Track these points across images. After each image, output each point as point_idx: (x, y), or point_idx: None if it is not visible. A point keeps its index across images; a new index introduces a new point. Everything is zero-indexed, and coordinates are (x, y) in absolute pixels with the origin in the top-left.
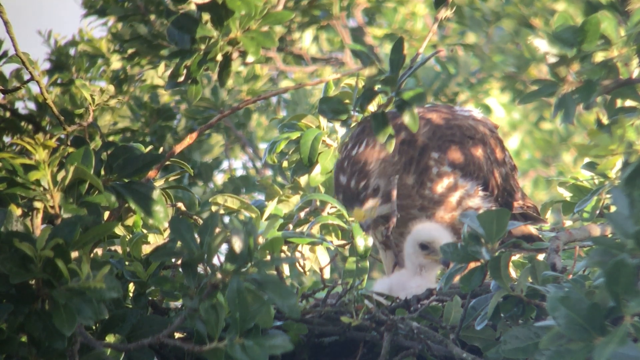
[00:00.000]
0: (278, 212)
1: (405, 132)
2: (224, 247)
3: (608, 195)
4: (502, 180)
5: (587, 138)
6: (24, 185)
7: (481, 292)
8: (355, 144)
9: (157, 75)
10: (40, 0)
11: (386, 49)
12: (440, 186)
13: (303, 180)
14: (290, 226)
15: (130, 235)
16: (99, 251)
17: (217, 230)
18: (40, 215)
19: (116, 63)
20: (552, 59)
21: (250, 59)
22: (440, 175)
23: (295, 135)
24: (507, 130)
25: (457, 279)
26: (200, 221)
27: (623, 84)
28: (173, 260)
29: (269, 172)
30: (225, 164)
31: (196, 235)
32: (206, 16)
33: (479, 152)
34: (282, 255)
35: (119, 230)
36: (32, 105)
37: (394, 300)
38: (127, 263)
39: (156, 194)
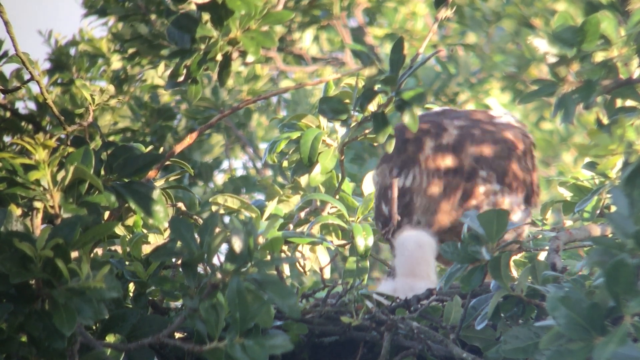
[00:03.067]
0: (278, 212)
1: (452, 157)
2: (224, 247)
3: (608, 195)
4: (536, 187)
5: (587, 138)
6: (24, 185)
7: (481, 292)
8: (399, 171)
9: (157, 75)
10: (40, 0)
11: (386, 48)
12: (486, 204)
13: (303, 180)
14: (291, 226)
15: (130, 235)
16: (99, 251)
17: (217, 230)
18: (40, 215)
19: (116, 63)
20: (552, 59)
21: (250, 58)
22: (487, 194)
23: (295, 135)
24: None
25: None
26: (200, 221)
27: (623, 84)
28: (173, 260)
29: (269, 172)
30: (225, 164)
31: (196, 235)
32: (206, 16)
33: (520, 165)
34: (282, 255)
35: (119, 230)
36: (32, 105)
37: (394, 300)
38: (127, 263)
39: (156, 194)
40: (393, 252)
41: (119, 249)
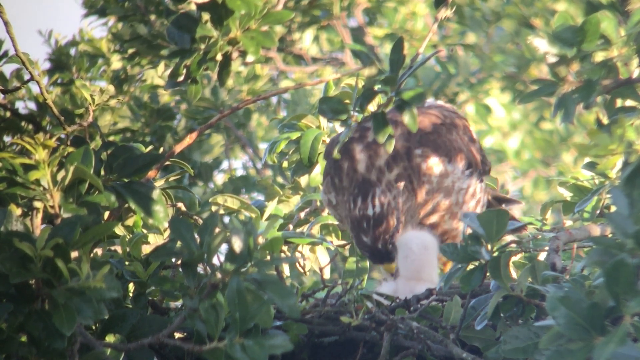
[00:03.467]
0: (278, 212)
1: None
2: (224, 247)
3: (608, 195)
4: (479, 156)
5: (587, 138)
6: (24, 185)
7: (481, 292)
8: (364, 199)
9: (157, 75)
10: (40, 0)
11: (386, 49)
12: (434, 177)
13: (303, 180)
14: (290, 226)
15: (130, 235)
16: (99, 251)
17: (217, 230)
18: (40, 215)
19: (116, 63)
20: (552, 59)
21: (250, 58)
22: (429, 167)
23: (295, 135)
24: (507, 130)
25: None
26: (200, 221)
27: (623, 84)
28: (173, 260)
29: (269, 172)
30: (225, 164)
31: (196, 235)
32: (206, 16)
33: (454, 135)
34: (282, 255)
35: (119, 230)
36: (32, 105)
37: (394, 300)
38: (127, 263)
39: (156, 194)
40: (395, 253)
41: (119, 249)
